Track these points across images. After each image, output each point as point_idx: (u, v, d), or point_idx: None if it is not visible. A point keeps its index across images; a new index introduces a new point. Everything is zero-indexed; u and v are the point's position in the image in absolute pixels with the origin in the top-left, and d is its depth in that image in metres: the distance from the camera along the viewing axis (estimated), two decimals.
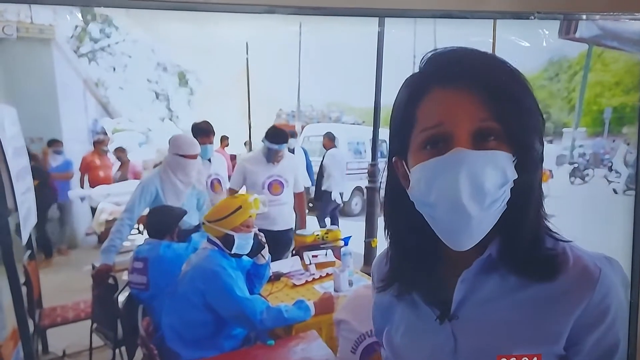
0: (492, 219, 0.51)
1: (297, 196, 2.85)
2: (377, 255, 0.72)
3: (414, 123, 0.53)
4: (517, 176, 0.50)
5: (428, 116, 0.52)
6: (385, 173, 0.61)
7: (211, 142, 2.74)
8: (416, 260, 0.59)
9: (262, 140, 2.65)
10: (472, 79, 0.50)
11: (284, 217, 2.71)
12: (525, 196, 0.52)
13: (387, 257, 0.65)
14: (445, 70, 0.51)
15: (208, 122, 2.79)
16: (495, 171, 0.49)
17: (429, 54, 0.54)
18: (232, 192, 2.69)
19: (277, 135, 2.64)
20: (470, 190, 0.48)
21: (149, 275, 1.92)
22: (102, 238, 3.71)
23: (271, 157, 2.63)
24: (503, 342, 0.53)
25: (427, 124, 0.52)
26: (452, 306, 0.57)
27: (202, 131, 2.70)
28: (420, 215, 0.55)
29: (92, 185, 4.41)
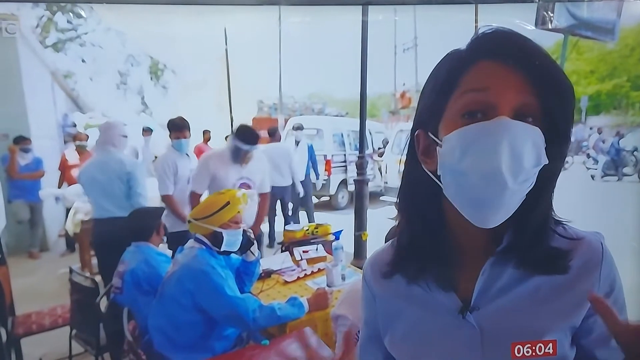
0: (518, 200, 0.50)
1: (263, 197, 2.69)
2: (373, 253, 0.69)
3: (453, 89, 0.52)
4: (547, 162, 0.49)
5: (474, 80, 0.50)
6: (406, 149, 0.60)
7: (185, 137, 2.68)
8: (425, 242, 0.58)
9: (232, 139, 2.46)
10: (519, 58, 0.49)
11: (249, 218, 2.57)
12: (545, 186, 0.52)
13: (390, 246, 0.64)
14: (494, 47, 0.51)
15: (182, 118, 2.74)
16: (533, 149, 0.48)
17: (483, 30, 0.53)
18: (195, 196, 2.48)
19: (250, 135, 2.45)
20: (510, 161, 0.47)
21: (124, 279, 1.86)
22: (78, 239, 3.55)
23: (239, 157, 2.45)
24: (528, 325, 0.53)
25: (472, 85, 0.50)
26: (473, 297, 0.56)
27: (176, 126, 2.65)
28: (434, 196, 0.55)
29: (71, 185, 4.22)
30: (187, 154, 2.72)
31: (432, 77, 0.56)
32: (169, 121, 2.73)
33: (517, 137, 0.47)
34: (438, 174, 0.53)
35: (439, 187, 0.54)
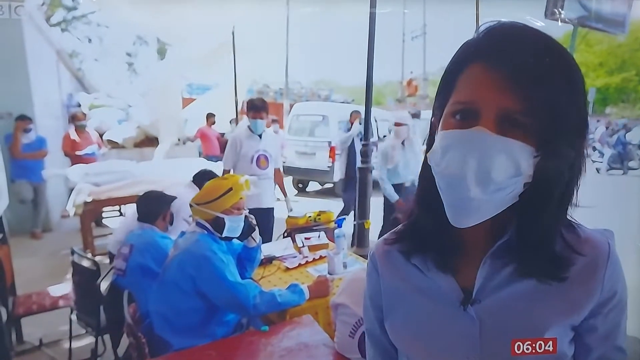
0: (496, 205, 0.51)
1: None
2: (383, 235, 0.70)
3: (452, 90, 0.54)
4: (532, 172, 0.50)
5: (464, 89, 0.52)
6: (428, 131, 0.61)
7: (262, 118, 2.89)
8: (435, 223, 0.58)
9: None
10: (517, 64, 0.48)
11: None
12: (544, 195, 0.52)
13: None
14: (495, 47, 0.50)
15: (262, 99, 3.00)
16: (508, 161, 0.48)
17: (488, 25, 0.53)
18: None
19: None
20: (476, 172, 0.48)
21: (129, 262, 1.86)
22: (81, 220, 3.54)
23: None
24: (527, 320, 0.54)
25: (461, 97, 0.52)
26: (474, 290, 0.56)
27: (255, 107, 2.88)
28: None
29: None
30: (259, 135, 2.93)
31: (446, 68, 0.56)
32: (249, 100, 2.99)
33: (489, 149, 0.48)
34: None
35: None
